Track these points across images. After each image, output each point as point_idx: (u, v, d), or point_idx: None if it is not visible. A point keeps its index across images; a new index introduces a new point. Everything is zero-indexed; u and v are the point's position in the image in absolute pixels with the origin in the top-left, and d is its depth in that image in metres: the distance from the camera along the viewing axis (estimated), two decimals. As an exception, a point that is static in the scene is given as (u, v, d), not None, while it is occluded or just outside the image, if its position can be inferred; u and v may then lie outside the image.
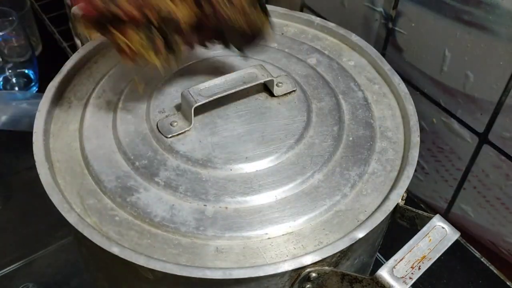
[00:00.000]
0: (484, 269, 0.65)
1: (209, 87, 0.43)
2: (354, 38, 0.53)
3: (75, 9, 0.53)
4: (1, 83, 0.83)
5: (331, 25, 0.55)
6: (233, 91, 0.43)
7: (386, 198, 0.41)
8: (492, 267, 0.65)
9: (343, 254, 0.38)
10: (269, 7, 0.56)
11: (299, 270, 0.36)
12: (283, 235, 0.39)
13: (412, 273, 0.35)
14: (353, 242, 0.37)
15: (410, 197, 0.73)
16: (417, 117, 0.46)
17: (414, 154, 0.43)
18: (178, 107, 0.45)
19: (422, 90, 0.65)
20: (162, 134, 0.43)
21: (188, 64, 0.50)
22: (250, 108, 0.46)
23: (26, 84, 0.84)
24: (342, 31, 0.54)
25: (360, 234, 0.38)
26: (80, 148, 0.44)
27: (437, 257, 0.36)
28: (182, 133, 0.43)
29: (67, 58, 0.50)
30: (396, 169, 0.43)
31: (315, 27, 0.56)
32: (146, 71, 0.48)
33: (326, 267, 0.37)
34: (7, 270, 0.63)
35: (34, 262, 0.65)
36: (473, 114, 0.59)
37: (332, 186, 0.41)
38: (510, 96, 0.54)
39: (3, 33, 0.77)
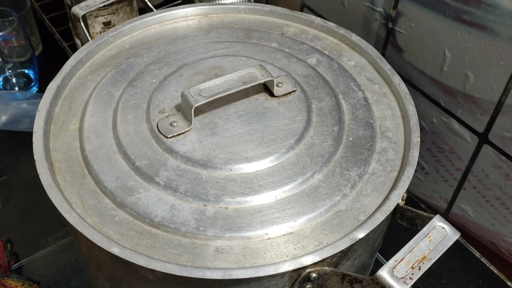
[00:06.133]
0: (484, 269, 0.65)
1: (209, 87, 0.43)
2: (354, 38, 0.53)
3: (75, 9, 0.54)
4: (1, 83, 0.83)
5: (331, 25, 0.55)
6: (233, 91, 0.43)
7: (386, 198, 0.41)
8: (492, 267, 0.65)
9: (343, 254, 0.38)
10: (269, 7, 0.56)
11: (299, 270, 0.36)
12: (283, 235, 0.39)
13: (412, 274, 0.35)
14: (353, 242, 0.37)
15: (410, 197, 0.73)
16: (417, 117, 0.46)
17: (414, 154, 0.43)
18: (178, 107, 0.45)
19: (422, 90, 0.65)
20: (162, 134, 0.43)
21: (188, 64, 0.50)
22: (250, 108, 0.46)
23: (26, 84, 0.84)
24: (342, 31, 0.54)
25: (360, 234, 0.38)
26: (80, 148, 0.44)
27: (437, 257, 0.36)
28: (182, 133, 0.43)
29: (67, 58, 0.50)
30: (396, 169, 0.43)
31: (315, 27, 0.56)
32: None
33: (326, 267, 0.37)
34: (7, 270, 0.63)
35: (34, 262, 0.65)
36: (473, 114, 0.59)
37: (332, 186, 0.41)
38: (510, 96, 0.54)
39: (3, 33, 0.77)
